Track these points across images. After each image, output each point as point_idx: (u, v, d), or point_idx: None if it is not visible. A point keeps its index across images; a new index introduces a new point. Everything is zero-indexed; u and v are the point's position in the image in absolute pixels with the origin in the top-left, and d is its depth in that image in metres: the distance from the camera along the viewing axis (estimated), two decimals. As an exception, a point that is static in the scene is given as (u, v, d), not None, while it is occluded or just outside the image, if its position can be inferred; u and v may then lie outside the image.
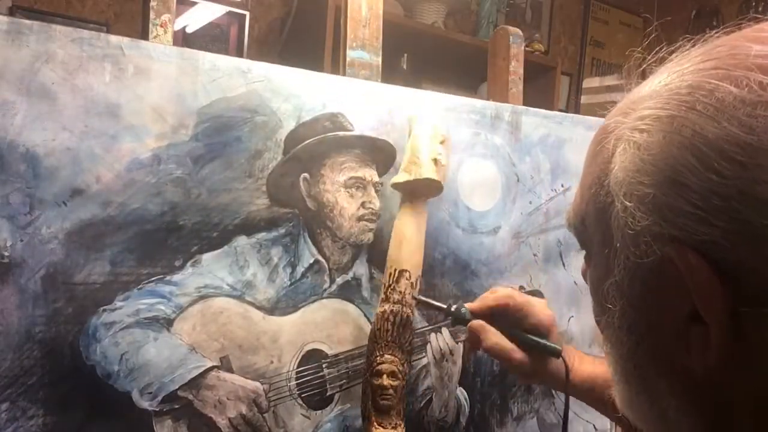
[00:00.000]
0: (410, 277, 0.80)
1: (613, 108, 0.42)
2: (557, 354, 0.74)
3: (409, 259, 0.80)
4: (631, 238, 0.36)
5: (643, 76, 0.42)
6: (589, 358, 0.78)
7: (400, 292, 0.79)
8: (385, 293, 0.80)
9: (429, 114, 0.86)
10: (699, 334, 0.34)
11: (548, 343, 0.74)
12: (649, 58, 0.42)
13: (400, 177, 0.82)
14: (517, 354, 0.73)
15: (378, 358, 0.78)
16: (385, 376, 0.77)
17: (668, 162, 0.34)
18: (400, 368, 0.78)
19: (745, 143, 0.31)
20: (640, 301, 0.37)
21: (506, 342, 0.73)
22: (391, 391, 0.77)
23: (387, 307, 0.79)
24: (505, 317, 0.75)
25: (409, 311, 0.80)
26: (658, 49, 0.42)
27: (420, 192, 0.82)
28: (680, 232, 0.33)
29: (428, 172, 0.80)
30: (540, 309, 0.76)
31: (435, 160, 0.81)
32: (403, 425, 0.79)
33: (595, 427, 1.11)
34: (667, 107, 0.35)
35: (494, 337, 0.73)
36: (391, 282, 0.79)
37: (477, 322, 0.75)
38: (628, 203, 0.36)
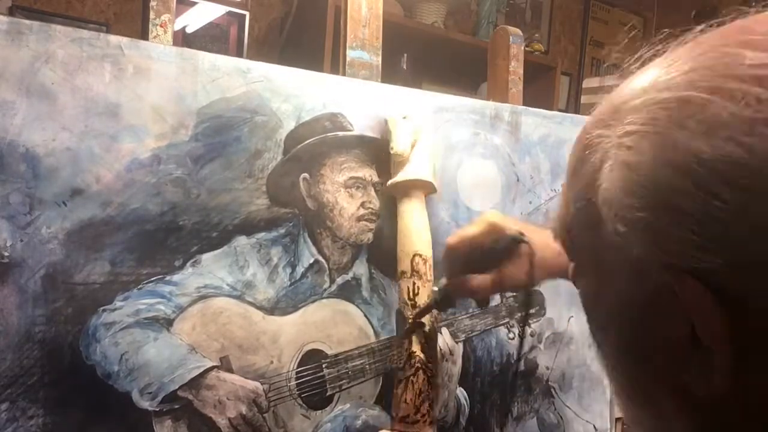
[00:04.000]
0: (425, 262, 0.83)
1: (594, 113, 0.39)
2: (518, 239, 0.71)
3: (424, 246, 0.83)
4: (624, 263, 0.34)
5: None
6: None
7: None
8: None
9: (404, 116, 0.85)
10: (702, 358, 0.32)
11: (510, 234, 0.72)
12: (648, 51, 0.39)
13: (408, 175, 0.82)
14: (478, 280, 0.72)
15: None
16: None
17: (660, 184, 0.32)
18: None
19: (744, 164, 0.29)
20: (637, 325, 0.35)
21: (486, 281, 0.72)
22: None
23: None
24: (472, 260, 0.73)
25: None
26: (663, 41, 0.38)
27: (422, 189, 0.84)
28: (678, 259, 0.31)
29: (431, 176, 0.83)
30: (483, 228, 0.73)
31: (434, 166, 0.83)
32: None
33: (595, 428, 1.11)
34: (654, 122, 0.33)
35: (476, 278, 0.73)
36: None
37: (455, 280, 0.74)
38: (620, 227, 0.33)
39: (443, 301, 0.77)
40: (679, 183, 0.31)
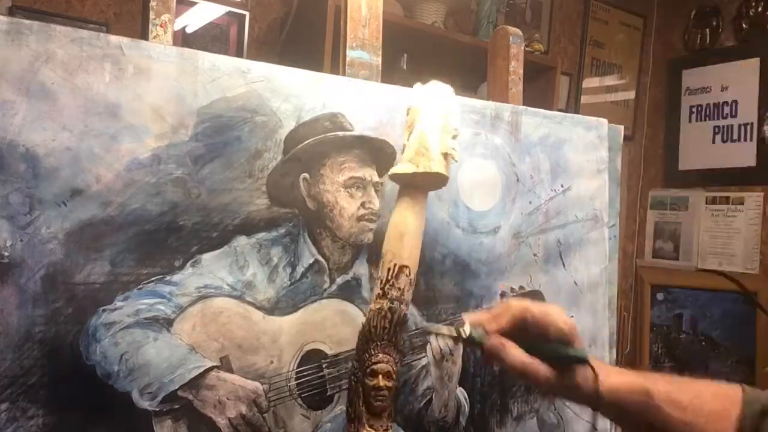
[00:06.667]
0: (410, 273, 0.74)
1: None
2: (583, 360, 0.70)
3: (410, 254, 0.74)
4: None
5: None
6: (614, 369, 0.75)
7: (399, 288, 0.73)
8: (382, 289, 0.73)
9: (439, 104, 0.77)
10: None
11: (572, 351, 0.70)
12: None
13: (404, 168, 0.74)
14: (542, 369, 0.69)
15: (373, 357, 0.72)
16: (381, 376, 0.71)
17: None
18: (395, 368, 0.73)
19: None
20: None
21: (529, 358, 0.69)
22: (385, 392, 0.71)
23: (384, 303, 0.73)
24: (523, 331, 0.70)
25: (406, 309, 0.75)
26: None
27: (424, 185, 0.77)
28: None
29: (438, 166, 0.74)
30: (559, 317, 0.71)
31: (446, 155, 0.75)
32: (392, 428, 0.74)
33: (595, 428, 1.10)
34: None
35: (517, 353, 0.69)
36: (390, 277, 0.73)
37: (497, 340, 0.70)
38: None
39: (471, 341, 0.72)
40: None
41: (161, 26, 0.76)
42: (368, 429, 0.71)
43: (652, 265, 3.03)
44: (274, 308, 0.79)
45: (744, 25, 2.75)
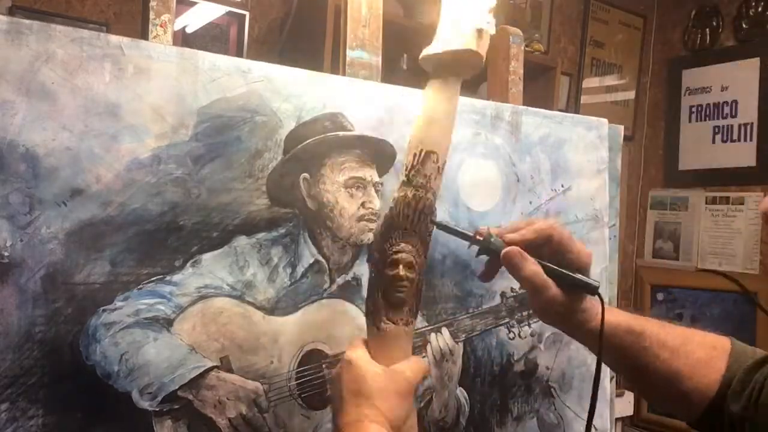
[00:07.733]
0: (437, 160, 0.69)
1: None
2: (594, 290, 0.70)
3: (438, 140, 0.70)
4: None
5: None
6: (610, 308, 0.76)
7: (425, 175, 0.68)
8: (407, 175, 0.69)
9: None
10: None
11: (587, 279, 0.71)
12: None
13: (433, 47, 0.69)
14: (553, 287, 0.70)
15: (394, 246, 0.68)
16: (401, 266, 0.67)
17: None
18: (418, 260, 0.69)
19: None
20: None
21: (543, 273, 0.70)
22: (406, 282, 0.67)
23: (409, 191, 0.68)
24: (541, 250, 0.71)
25: (432, 198, 0.70)
26: None
27: (455, 67, 0.71)
28: None
29: (470, 42, 0.68)
30: (580, 245, 0.72)
31: (480, 30, 0.69)
32: (415, 323, 0.70)
33: (595, 428, 1.10)
34: None
35: (533, 266, 0.69)
36: (415, 163, 0.68)
37: (515, 249, 0.70)
38: None
39: (486, 250, 0.72)
40: None
41: (161, 26, 0.76)
42: (386, 321, 0.68)
43: (652, 265, 3.03)
44: (274, 308, 0.79)
45: (744, 25, 2.75)
